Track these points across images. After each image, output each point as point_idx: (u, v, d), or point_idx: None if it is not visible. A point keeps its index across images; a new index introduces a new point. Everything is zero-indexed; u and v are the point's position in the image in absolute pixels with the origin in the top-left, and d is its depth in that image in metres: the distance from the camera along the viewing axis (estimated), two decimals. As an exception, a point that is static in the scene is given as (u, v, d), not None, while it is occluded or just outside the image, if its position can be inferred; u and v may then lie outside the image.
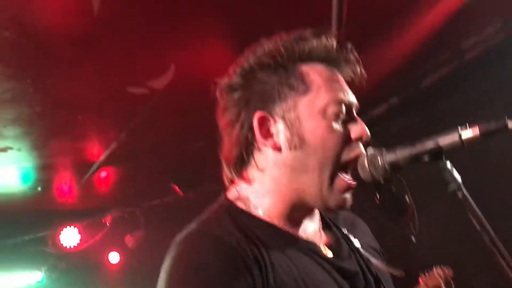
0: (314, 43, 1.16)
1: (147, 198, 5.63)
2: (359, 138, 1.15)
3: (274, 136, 1.15)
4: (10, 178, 4.67)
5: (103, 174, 5.16)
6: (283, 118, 1.14)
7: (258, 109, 1.15)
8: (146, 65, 3.22)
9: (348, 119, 1.16)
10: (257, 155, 1.17)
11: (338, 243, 1.22)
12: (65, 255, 5.78)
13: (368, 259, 1.24)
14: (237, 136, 1.16)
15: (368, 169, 1.12)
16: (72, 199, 5.47)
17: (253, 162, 1.17)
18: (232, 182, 1.22)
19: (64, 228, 5.55)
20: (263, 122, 1.15)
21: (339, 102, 1.14)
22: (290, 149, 1.13)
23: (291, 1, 2.72)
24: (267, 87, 1.15)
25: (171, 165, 5.12)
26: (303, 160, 1.13)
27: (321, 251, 1.15)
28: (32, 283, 5.92)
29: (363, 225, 1.36)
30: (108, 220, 5.58)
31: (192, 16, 2.78)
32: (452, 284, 3.11)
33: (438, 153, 1.08)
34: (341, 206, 1.15)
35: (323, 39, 1.17)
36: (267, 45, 1.17)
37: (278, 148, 1.14)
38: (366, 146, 1.17)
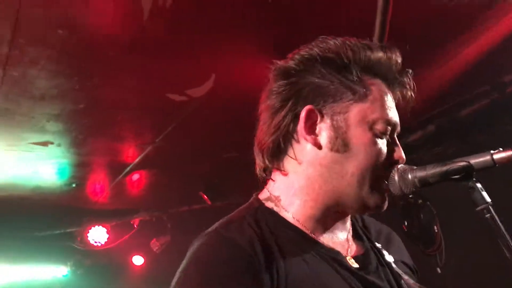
0: (379, 56, 1.16)
1: (176, 204, 5.70)
2: (395, 162, 1.15)
3: (317, 133, 1.13)
4: (47, 173, 4.82)
5: (135, 176, 5.27)
6: (332, 118, 1.13)
7: (309, 101, 1.13)
8: (187, 73, 3.30)
9: (390, 140, 1.16)
10: (295, 147, 1.15)
11: (367, 255, 1.20)
12: (91, 252, 5.90)
13: (399, 275, 1.21)
14: (278, 123, 1.14)
15: (397, 183, 1.13)
16: (103, 199, 5.60)
17: (290, 152, 1.15)
18: (265, 174, 1.20)
19: (93, 226, 5.67)
20: (310, 116, 1.13)
21: (388, 121, 1.14)
22: (331, 150, 1.12)
23: (332, 15, 2.75)
24: (325, 82, 1.14)
25: (201, 174, 5.19)
26: (342, 164, 1.12)
27: (345, 260, 1.14)
28: (58, 276, 6.06)
29: (398, 240, 1.34)
30: (136, 222, 5.67)
31: (234, 28, 2.85)
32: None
33: (468, 172, 1.08)
34: (380, 206, 1.14)
35: (388, 55, 1.17)
36: (333, 42, 1.15)
37: (318, 146, 1.13)
38: None
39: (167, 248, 5.80)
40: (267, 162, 1.18)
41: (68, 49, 2.82)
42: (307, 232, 1.13)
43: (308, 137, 1.13)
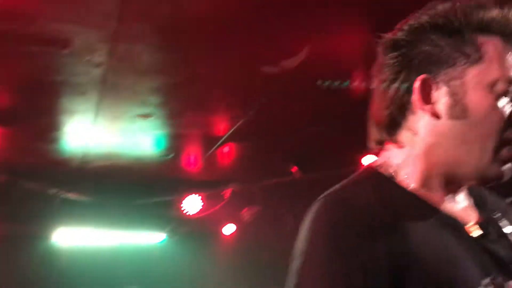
0: (494, 14, 1.10)
1: (266, 176, 5.84)
2: None
3: (434, 102, 1.09)
4: (146, 144, 5.13)
5: (226, 149, 5.46)
6: (448, 85, 1.09)
7: (421, 71, 1.10)
8: (281, 46, 3.35)
9: None
10: (411, 118, 1.13)
11: (485, 224, 1.14)
12: (185, 221, 6.22)
13: None
14: (392, 96, 1.12)
15: None
16: (197, 169, 5.87)
17: (406, 125, 1.13)
18: (379, 146, 1.19)
19: (188, 196, 5.97)
20: (425, 85, 1.09)
21: (509, 80, 1.07)
22: (450, 118, 1.08)
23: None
24: (436, 49, 1.10)
25: (291, 146, 5.27)
26: (462, 131, 1.08)
27: (465, 228, 1.11)
28: (155, 242, 6.47)
29: None
30: (227, 193, 5.89)
31: (328, 1, 2.85)
32: None
33: None
34: (500, 176, 1.10)
35: (504, 11, 1.10)
36: (442, 7, 1.11)
37: (436, 115, 1.09)
38: None
39: (257, 219, 5.98)
40: (382, 135, 1.16)
41: (170, 25, 2.97)
42: (424, 198, 1.10)
43: (425, 107, 1.09)
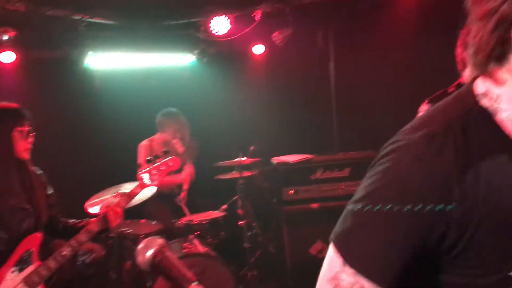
0: None
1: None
2: None
3: None
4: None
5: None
6: None
7: None
8: None
9: None
10: None
11: None
12: (214, 42, 6.06)
13: None
14: (491, 30, 0.98)
15: None
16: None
17: (506, 63, 1.01)
18: (473, 79, 1.07)
19: (216, 16, 5.70)
20: None
21: None
22: None
23: None
24: None
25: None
26: None
27: None
28: (185, 64, 6.43)
29: None
30: (258, 14, 5.58)
31: None
32: None
33: None
34: None
35: None
36: None
37: None
38: None
39: (289, 41, 5.78)
40: (480, 68, 1.04)
41: None
42: None
43: None
